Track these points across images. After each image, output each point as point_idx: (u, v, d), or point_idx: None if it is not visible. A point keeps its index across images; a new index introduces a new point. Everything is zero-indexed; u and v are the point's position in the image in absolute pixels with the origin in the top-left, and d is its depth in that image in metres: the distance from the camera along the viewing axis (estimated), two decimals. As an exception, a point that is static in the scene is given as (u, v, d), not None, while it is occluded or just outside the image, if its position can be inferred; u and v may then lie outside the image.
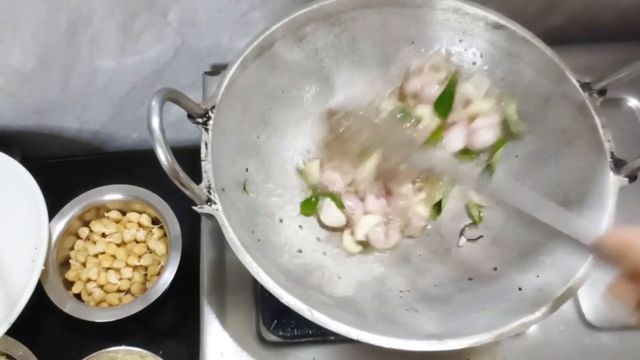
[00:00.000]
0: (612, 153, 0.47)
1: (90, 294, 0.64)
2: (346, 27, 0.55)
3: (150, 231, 0.69)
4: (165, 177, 0.39)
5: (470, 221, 0.55)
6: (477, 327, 0.42)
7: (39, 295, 0.60)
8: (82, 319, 0.60)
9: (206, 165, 0.44)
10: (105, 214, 0.69)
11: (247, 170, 0.51)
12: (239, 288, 0.56)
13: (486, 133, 0.53)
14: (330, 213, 0.53)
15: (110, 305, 0.64)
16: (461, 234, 0.54)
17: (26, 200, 0.59)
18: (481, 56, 0.55)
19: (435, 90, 0.54)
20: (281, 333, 0.53)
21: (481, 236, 0.54)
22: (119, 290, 0.65)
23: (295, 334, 0.53)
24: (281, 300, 0.41)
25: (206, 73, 0.68)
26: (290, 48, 0.53)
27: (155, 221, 0.69)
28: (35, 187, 0.60)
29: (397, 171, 0.53)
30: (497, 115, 0.53)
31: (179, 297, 0.66)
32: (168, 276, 0.62)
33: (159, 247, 0.67)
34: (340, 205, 0.53)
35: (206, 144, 0.45)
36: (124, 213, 0.70)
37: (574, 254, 0.44)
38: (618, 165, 0.46)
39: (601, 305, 0.55)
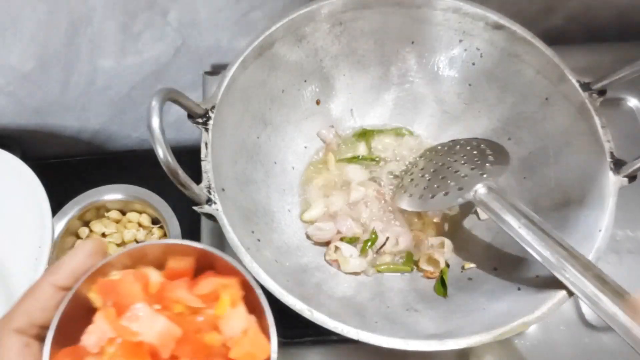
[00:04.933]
0: (612, 153, 0.47)
1: (90, 294, 0.64)
2: (346, 27, 0.55)
3: (150, 231, 0.69)
4: (165, 177, 0.39)
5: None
6: (477, 327, 0.42)
7: (39, 295, 0.59)
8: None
9: (206, 165, 0.44)
10: (105, 214, 0.69)
11: (247, 169, 0.51)
12: (239, 288, 0.56)
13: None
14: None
15: (110, 305, 0.63)
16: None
17: (29, 198, 0.59)
18: (481, 56, 0.55)
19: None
20: (281, 333, 0.53)
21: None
22: (119, 290, 0.65)
23: (295, 334, 0.53)
24: (281, 300, 0.41)
25: (206, 73, 0.68)
26: (290, 48, 0.53)
27: (155, 221, 0.69)
28: (38, 185, 0.59)
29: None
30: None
31: (179, 297, 0.66)
32: (168, 276, 0.62)
33: (159, 247, 0.66)
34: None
35: (206, 144, 0.45)
36: (124, 213, 0.69)
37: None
38: (618, 165, 0.46)
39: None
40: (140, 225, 0.69)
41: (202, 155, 0.45)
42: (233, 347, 0.29)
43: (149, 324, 0.28)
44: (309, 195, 0.57)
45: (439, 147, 0.57)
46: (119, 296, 0.29)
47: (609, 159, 0.47)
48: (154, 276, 0.31)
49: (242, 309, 0.30)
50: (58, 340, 0.28)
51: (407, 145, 0.60)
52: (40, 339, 0.28)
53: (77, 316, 0.29)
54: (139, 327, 0.28)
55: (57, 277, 0.29)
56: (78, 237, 0.68)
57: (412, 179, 0.55)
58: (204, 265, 0.32)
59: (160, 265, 0.32)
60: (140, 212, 0.69)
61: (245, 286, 0.31)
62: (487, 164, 0.50)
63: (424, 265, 0.53)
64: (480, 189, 0.48)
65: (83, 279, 0.29)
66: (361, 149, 0.59)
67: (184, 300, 0.30)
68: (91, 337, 0.28)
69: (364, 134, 0.60)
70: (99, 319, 0.28)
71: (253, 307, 0.31)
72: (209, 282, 0.31)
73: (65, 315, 0.28)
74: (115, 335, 0.28)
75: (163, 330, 0.28)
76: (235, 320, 0.30)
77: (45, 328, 0.28)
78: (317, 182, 0.57)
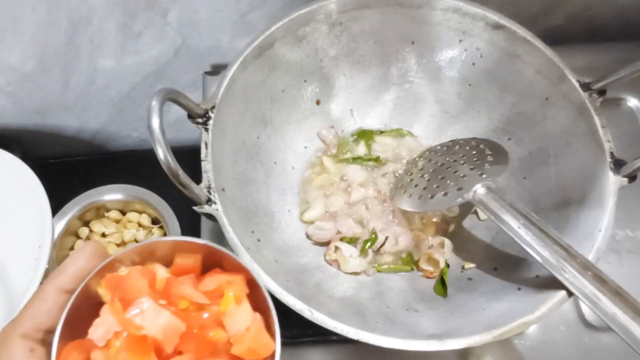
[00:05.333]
0: (611, 153, 0.47)
1: (90, 294, 0.64)
2: (346, 27, 0.55)
3: (150, 231, 0.69)
4: (165, 177, 0.39)
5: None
6: (477, 327, 0.42)
7: (39, 295, 0.59)
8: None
9: (206, 165, 0.44)
10: (105, 214, 0.69)
11: (247, 169, 0.51)
12: (239, 288, 0.56)
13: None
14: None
15: (110, 305, 0.63)
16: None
17: (29, 198, 0.59)
18: (481, 56, 0.55)
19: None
20: (281, 333, 0.53)
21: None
22: (119, 290, 0.65)
23: (295, 334, 0.53)
24: (281, 300, 0.41)
25: (206, 73, 0.68)
26: (290, 48, 0.53)
27: (155, 221, 0.69)
28: (38, 185, 0.59)
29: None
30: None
31: (179, 297, 0.66)
32: (168, 276, 0.62)
33: (159, 247, 0.66)
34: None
35: (206, 144, 0.45)
36: (124, 213, 0.70)
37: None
38: (618, 165, 0.46)
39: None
40: (140, 225, 0.69)
41: (202, 155, 0.45)
42: (235, 343, 0.29)
43: (153, 318, 0.28)
44: (308, 195, 0.57)
45: (439, 147, 0.57)
46: (126, 291, 0.29)
47: (609, 159, 0.47)
48: (161, 272, 0.31)
49: (246, 306, 0.30)
50: (66, 336, 0.28)
51: (407, 146, 0.60)
52: (46, 344, 0.29)
53: (85, 313, 0.29)
54: (142, 320, 0.28)
55: (60, 280, 0.30)
56: (78, 237, 0.68)
57: (411, 179, 0.55)
58: (212, 263, 0.32)
59: (168, 262, 0.32)
60: (140, 212, 0.69)
61: (251, 284, 0.31)
62: (486, 164, 0.50)
63: (424, 265, 0.53)
64: (480, 189, 0.48)
65: (85, 282, 0.29)
66: (361, 150, 0.59)
67: (188, 296, 0.29)
68: (98, 330, 0.28)
69: (364, 134, 0.60)
70: (105, 312, 0.28)
71: (258, 304, 0.31)
72: (215, 279, 0.31)
73: (73, 313, 0.29)
74: (121, 329, 0.28)
75: (167, 324, 0.28)
76: (240, 317, 0.30)
77: (50, 332, 0.28)
78: (316, 182, 0.57)
